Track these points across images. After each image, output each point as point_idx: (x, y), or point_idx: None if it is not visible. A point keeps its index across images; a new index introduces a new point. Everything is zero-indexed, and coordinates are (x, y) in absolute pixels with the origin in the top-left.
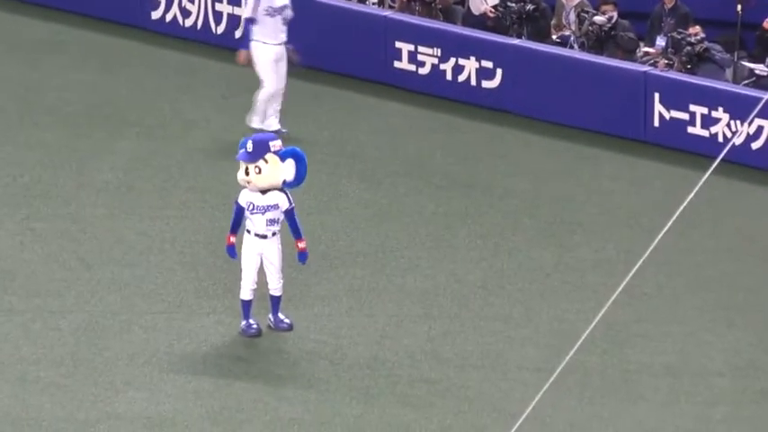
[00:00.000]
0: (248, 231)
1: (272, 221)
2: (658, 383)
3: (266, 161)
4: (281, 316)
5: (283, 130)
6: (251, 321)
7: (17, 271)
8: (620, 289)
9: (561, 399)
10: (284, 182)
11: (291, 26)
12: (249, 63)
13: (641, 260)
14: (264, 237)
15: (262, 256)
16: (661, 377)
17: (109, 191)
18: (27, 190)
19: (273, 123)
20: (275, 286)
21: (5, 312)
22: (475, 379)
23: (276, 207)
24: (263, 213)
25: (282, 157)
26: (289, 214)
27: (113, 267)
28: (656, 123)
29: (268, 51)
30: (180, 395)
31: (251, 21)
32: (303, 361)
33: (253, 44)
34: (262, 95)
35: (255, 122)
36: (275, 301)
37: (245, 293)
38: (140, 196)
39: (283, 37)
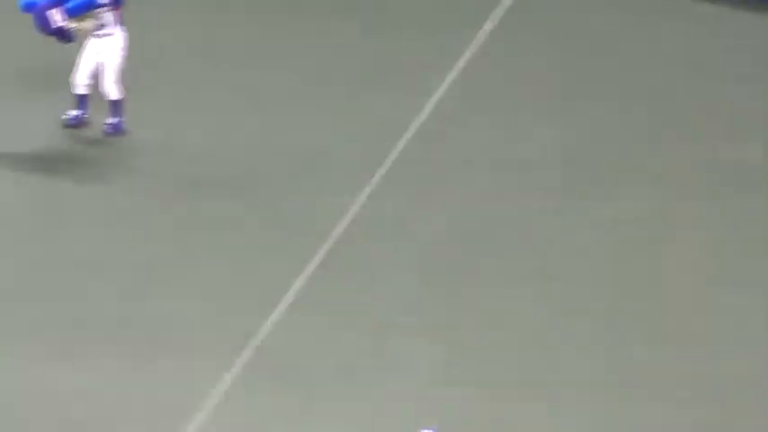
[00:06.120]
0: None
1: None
2: (483, 176)
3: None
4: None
5: None
6: (74, 112)
7: None
8: (447, 81)
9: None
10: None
11: None
12: None
13: (468, 51)
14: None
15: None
16: (486, 170)
17: None
18: None
19: None
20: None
21: None
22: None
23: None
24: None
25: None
26: None
27: None
28: None
29: None
30: None
31: None
32: (134, 154)
33: None
34: None
35: None
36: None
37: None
38: None
39: None
